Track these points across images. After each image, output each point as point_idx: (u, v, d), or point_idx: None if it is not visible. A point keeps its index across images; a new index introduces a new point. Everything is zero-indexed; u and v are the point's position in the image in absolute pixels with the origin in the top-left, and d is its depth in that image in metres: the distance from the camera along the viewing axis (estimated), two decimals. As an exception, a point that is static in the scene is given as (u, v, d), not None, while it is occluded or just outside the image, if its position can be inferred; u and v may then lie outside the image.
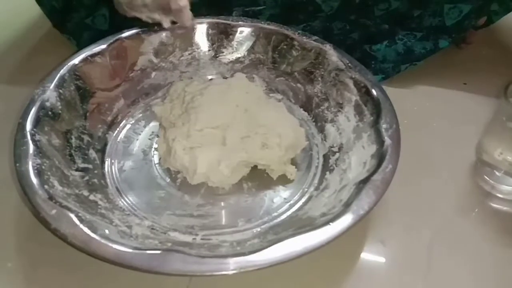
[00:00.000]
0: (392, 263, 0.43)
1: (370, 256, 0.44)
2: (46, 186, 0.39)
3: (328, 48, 0.52)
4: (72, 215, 0.37)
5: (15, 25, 0.64)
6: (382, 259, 0.44)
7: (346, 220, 0.37)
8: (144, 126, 0.52)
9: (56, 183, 0.41)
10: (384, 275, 0.42)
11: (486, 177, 0.49)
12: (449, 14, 0.55)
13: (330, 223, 0.37)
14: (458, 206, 0.47)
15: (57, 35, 0.61)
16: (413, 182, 0.48)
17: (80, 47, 0.53)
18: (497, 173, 0.48)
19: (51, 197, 0.38)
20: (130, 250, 0.34)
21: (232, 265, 0.34)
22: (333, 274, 0.42)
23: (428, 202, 0.47)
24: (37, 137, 0.43)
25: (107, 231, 0.37)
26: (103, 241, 0.35)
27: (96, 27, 0.58)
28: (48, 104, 0.46)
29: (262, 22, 0.55)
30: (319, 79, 0.52)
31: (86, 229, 0.36)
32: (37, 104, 0.45)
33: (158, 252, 0.34)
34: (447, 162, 0.51)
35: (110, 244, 0.35)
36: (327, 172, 0.47)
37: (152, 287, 0.41)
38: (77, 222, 0.36)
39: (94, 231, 0.36)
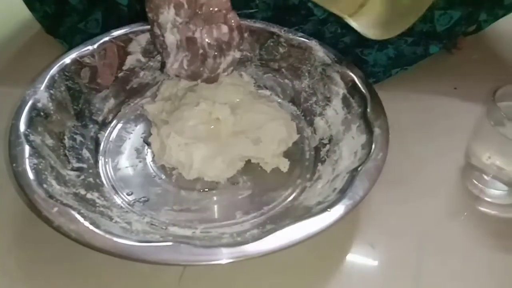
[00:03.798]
0: (382, 265, 0.43)
1: (359, 258, 0.44)
2: (45, 185, 0.39)
3: (314, 44, 0.53)
4: (74, 212, 0.37)
5: (5, 25, 0.64)
6: (371, 262, 0.44)
7: (344, 206, 0.39)
8: (135, 125, 0.52)
9: (54, 182, 0.41)
10: (373, 278, 0.42)
11: (474, 181, 0.49)
12: (439, 20, 0.55)
13: (328, 210, 0.39)
14: (447, 210, 0.48)
15: (48, 36, 0.60)
16: (402, 186, 0.49)
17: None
18: (485, 177, 0.48)
19: (51, 196, 0.38)
20: (138, 244, 0.35)
21: (238, 253, 0.35)
22: (322, 278, 0.42)
23: (417, 205, 0.47)
24: (31, 137, 0.43)
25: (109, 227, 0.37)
26: (108, 236, 0.36)
27: (88, 31, 0.58)
28: (39, 105, 0.46)
29: (248, 21, 0.56)
30: (306, 74, 0.54)
31: (90, 225, 0.36)
32: (29, 105, 0.45)
33: (169, 244, 0.35)
34: (436, 166, 0.51)
35: (116, 239, 0.35)
36: (319, 164, 0.48)
37: (146, 279, 0.41)
38: (80, 218, 0.37)
39: (97, 227, 0.36)
